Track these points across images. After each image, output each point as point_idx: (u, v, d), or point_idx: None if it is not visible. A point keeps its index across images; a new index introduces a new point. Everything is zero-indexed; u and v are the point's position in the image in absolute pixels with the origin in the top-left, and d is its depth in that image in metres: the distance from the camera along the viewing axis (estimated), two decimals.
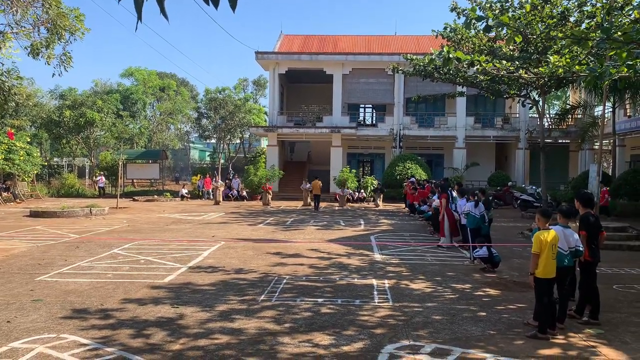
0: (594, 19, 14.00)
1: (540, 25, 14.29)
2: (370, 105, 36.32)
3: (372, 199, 27.57)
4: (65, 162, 43.15)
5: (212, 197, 29.18)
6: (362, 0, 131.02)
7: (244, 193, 29.81)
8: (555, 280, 5.89)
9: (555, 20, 14.38)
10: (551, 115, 32.60)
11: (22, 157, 26.62)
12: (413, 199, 20.48)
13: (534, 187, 25.49)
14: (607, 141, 25.36)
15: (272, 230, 15.45)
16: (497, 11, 14.89)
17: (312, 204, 24.25)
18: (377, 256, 11.09)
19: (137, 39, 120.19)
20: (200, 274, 8.97)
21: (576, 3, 15.23)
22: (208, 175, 31.17)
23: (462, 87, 21.84)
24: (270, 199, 26.06)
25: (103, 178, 31.71)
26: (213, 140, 59.25)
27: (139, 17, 2.74)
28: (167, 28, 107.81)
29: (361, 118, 36.16)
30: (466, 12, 16.36)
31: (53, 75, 18.10)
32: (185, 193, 29.91)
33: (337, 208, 24.34)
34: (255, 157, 43.60)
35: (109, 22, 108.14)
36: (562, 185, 28.49)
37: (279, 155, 32.33)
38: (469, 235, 10.53)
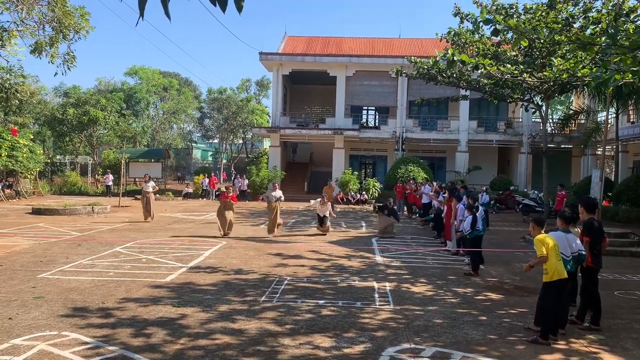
0: (599, 25, 14.02)
1: (545, 31, 14.28)
2: (373, 108, 36.33)
3: (373, 210, 21.28)
4: (68, 160, 43.14)
5: (212, 197, 29.27)
6: (366, 2, 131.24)
7: (250, 191, 29.79)
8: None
9: (560, 26, 14.37)
10: (554, 120, 32.58)
11: (25, 155, 26.64)
12: (414, 201, 20.49)
13: (536, 192, 25.43)
14: (610, 147, 25.31)
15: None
16: (502, 16, 14.90)
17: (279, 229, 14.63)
18: (379, 258, 11.08)
19: (141, 38, 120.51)
20: (201, 273, 8.98)
21: (581, 9, 15.23)
22: (213, 175, 31.27)
23: (466, 91, 21.83)
24: (231, 220, 13.96)
25: (111, 176, 31.72)
26: (216, 140, 59.33)
27: (141, 14, 2.85)
28: (171, 27, 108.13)
29: (364, 120, 36.18)
30: (470, 17, 16.36)
31: (55, 74, 18.19)
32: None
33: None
34: (258, 157, 43.69)
35: (113, 20, 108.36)
36: (564, 191, 28.36)
37: (281, 156, 32.33)
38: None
